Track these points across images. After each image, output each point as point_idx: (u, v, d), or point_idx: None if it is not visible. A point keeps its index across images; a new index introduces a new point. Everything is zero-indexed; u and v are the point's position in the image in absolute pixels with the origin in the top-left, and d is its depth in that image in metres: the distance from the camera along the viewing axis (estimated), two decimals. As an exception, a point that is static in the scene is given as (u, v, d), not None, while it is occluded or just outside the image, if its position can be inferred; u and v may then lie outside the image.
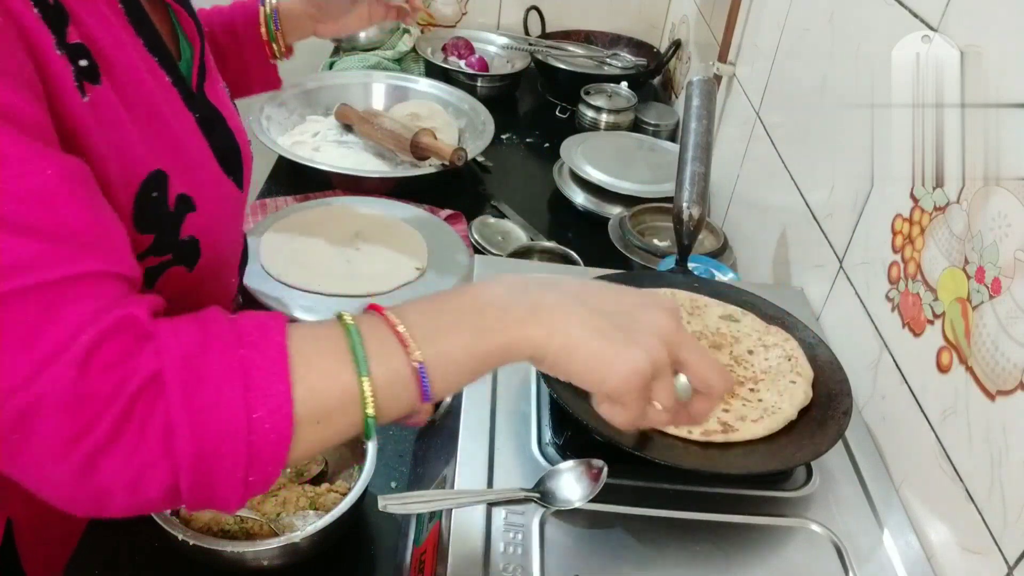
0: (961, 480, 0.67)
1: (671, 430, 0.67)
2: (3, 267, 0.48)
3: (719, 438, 0.67)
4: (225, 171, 0.80)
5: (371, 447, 0.80)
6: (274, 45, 1.08)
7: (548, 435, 0.72)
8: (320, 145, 1.44)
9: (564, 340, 0.53)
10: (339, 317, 0.54)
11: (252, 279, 1.08)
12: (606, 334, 0.53)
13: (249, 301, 1.07)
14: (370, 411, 0.52)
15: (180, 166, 0.70)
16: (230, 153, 0.82)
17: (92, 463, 0.48)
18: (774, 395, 0.72)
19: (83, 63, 0.59)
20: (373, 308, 0.55)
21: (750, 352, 0.77)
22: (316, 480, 0.85)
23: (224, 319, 0.53)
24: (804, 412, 0.71)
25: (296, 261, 1.12)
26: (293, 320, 0.54)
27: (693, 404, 0.56)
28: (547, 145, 1.62)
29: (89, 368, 0.48)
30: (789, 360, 0.75)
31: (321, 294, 1.08)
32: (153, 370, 0.49)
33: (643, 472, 0.68)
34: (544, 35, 1.95)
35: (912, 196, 0.78)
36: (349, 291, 1.08)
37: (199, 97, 0.78)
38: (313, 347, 0.53)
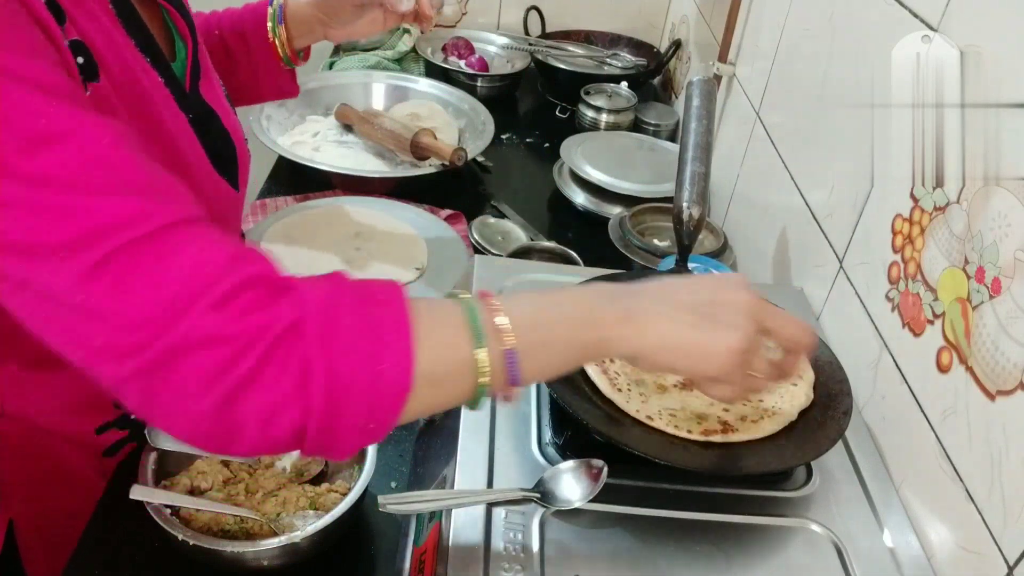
0: (961, 480, 0.67)
1: (671, 430, 0.67)
2: (101, 227, 0.51)
3: (719, 438, 0.67)
4: (219, 171, 0.80)
5: (371, 447, 0.80)
6: (278, 44, 1.03)
7: (548, 435, 0.72)
8: (320, 145, 1.44)
9: (658, 339, 0.57)
10: (455, 295, 0.58)
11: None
12: (697, 325, 0.57)
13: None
14: (484, 380, 0.55)
15: (173, 166, 0.71)
16: (225, 153, 0.82)
17: (233, 398, 0.51)
18: (775, 396, 0.72)
19: (81, 60, 0.60)
20: (482, 294, 0.58)
21: None
22: (316, 480, 0.85)
23: (351, 281, 0.57)
24: (804, 413, 0.71)
25: (296, 263, 1.12)
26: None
27: (785, 362, 0.62)
28: (547, 145, 1.62)
29: (229, 312, 0.51)
30: None
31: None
32: (294, 318, 0.52)
33: (643, 472, 0.68)
34: (544, 35, 1.95)
35: (912, 196, 0.78)
36: None
37: (192, 97, 0.78)
38: (433, 315, 0.56)
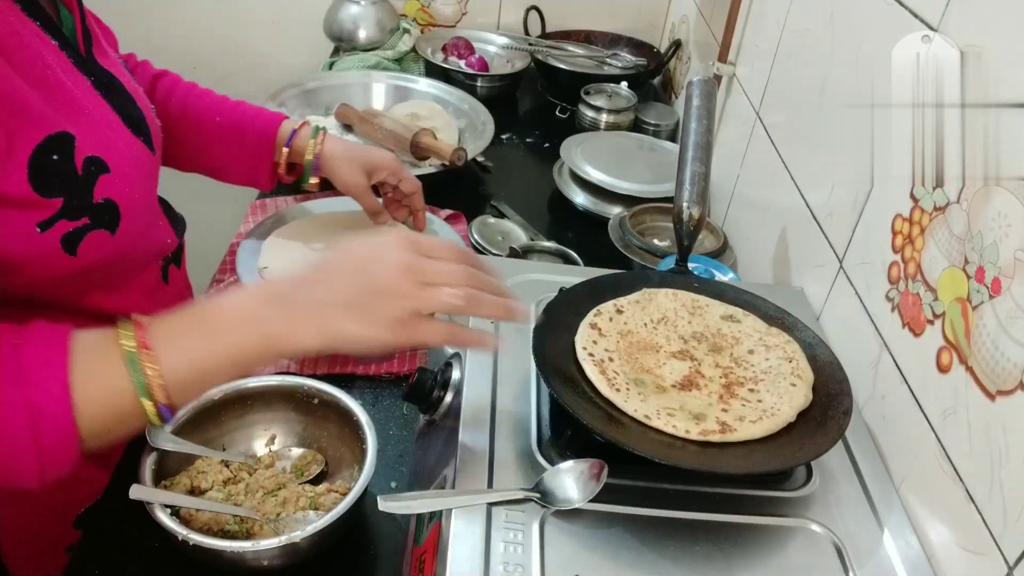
0: (961, 480, 0.67)
1: (669, 429, 0.67)
2: None
3: (716, 438, 0.67)
4: (133, 132, 0.80)
5: (371, 447, 0.80)
6: (302, 184, 1.12)
7: (548, 435, 0.72)
8: (320, 145, 1.44)
9: (319, 339, 0.62)
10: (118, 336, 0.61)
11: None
12: (355, 318, 0.62)
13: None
14: (156, 421, 0.62)
15: (86, 127, 0.71)
16: (135, 116, 0.82)
17: None
18: (774, 397, 0.72)
19: None
20: (141, 343, 0.61)
21: (751, 352, 0.77)
22: (316, 480, 0.85)
23: (9, 350, 0.58)
24: (804, 413, 0.71)
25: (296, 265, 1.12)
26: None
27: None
28: (547, 145, 1.62)
29: None
30: (790, 362, 0.75)
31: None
32: None
33: (643, 472, 0.68)
34: (544, 35, 1.95)
35: (912, 196, 0.78)
36: None
37: (89, 61, 0.78)
38: (93, 378, 0.59)
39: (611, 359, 0.74)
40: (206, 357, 0.62)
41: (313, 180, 1.11)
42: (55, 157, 0.67)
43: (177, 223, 0.95)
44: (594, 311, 0.79)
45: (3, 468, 0.57)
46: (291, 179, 1.12)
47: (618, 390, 0.70)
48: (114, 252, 0.74)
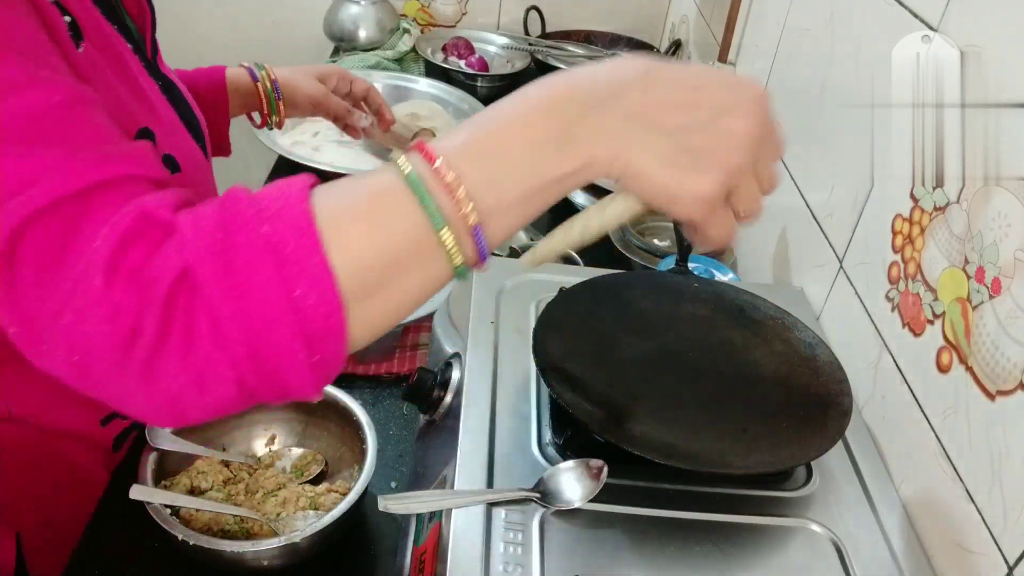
0: (961, 480, 0.67)
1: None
2: (21, 184, 0.47)
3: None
4: (193, 137, 0.82)
5: (371, 447, 0.80)
6: (274, 117, 1.10)
7: (548, 435, 0.72)
8: (320, 145, 1.44)
9: (626, 167, 0.50)
10: (392, 165, 0.50)
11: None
12: (672, 161, 0.50)
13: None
14: (457, 260, 0.49)
15: (160, 127, 0.72)
16: (192, 121, 0.84)
17: (150, 370, 0.46)
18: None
19: (67, 19, 0.59)
20: (420, 148, 0.50)
21: None
22: (316, 480, 0.85)
23: (244, 197, 0.49)
24: (804, 413, 0.71)
25: None
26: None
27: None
28: (547, 145, 1.62)
29: (115, 275, 0.46)
30: None
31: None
32: (180, 267, 0.46)
33: (643, 472, 0.68)
34: (544, 35, 1.95)
35: (912, 196, 0.78)
36: None
37: (155, 67, 0.79)
38: (344, 211, 0.49)
39: None
40: (511, 196, 0.51)
41: (280, 113, 1.11)
42: None
43: None
44: None
45: (259, 332, 0.46)
46: (261, 125, 1.13)
47: None
48: None
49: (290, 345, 0.47)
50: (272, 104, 1.10)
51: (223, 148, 1.10)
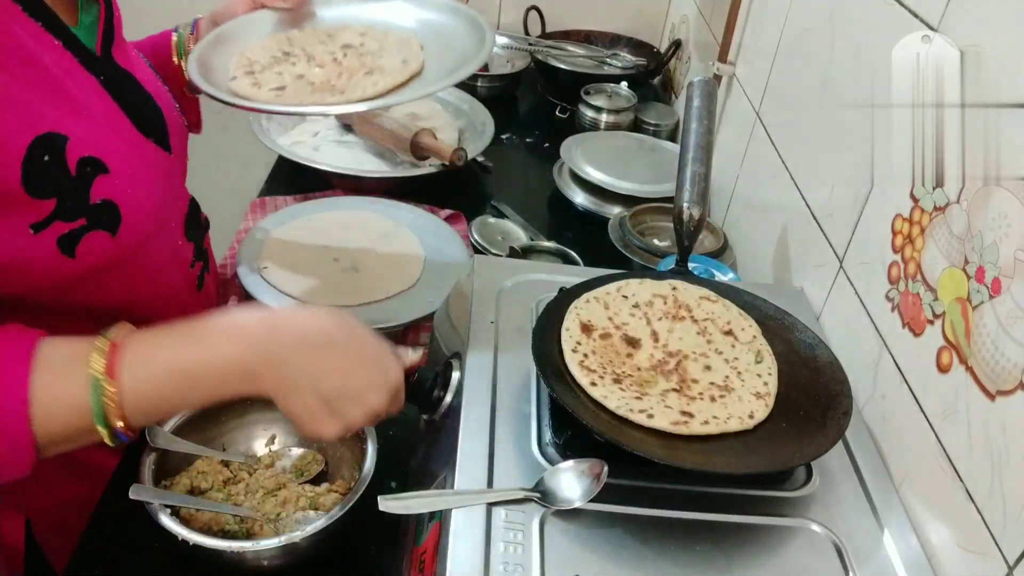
0: (961, 480, 0.67)
1: (644, 421, 0.67)
2: None
3: (670, 428, 0.67)
4: (144, 133, 0.79)
5: (371, 447, 0.80)
6: (184, 68, 0.99)
7: (548, 435, 0.72)
8: (320, 145, 1.45)
9: (283, 404, 0.67)
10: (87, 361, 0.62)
11: (254, 287, 1.08)
12: (317, 416, 0.67)
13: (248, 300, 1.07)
14: (110, 444, 0.64)
15: (84, 128, 0.70)
16: (149, 115, 0.81)
17: None
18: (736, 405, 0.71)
19: None
20: (108, 370, 0.62)
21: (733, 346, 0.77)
22: (316, 480, 0.85)
23: None
24: (804, 413, 0.71)
25: (296, 272, 1.12)
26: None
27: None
28: (547, 145, 1.62)
29: None
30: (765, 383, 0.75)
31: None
32: None
33: (643, 472, 0.68)
34: (544, 35, 1.95)
35: (912, 196, 0.78)
36: (346, 301, 1.08)
37: (104, 60, 0.77)
38: (55, 396, 0.61)
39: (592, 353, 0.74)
40: (172, 392, 0.65)
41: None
42: (46, 158, 0.66)
43: (196, 229, 0.94)
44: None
45: None
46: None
47: (595, 385, 0.71)
48: (117, 254, 0.74)
49: None
50: (180, 47, 1.01)
51: (193, 124, 1.05)
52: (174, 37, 1.01)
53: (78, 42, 0.74)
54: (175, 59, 1.00)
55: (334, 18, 0.97)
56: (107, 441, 0.63)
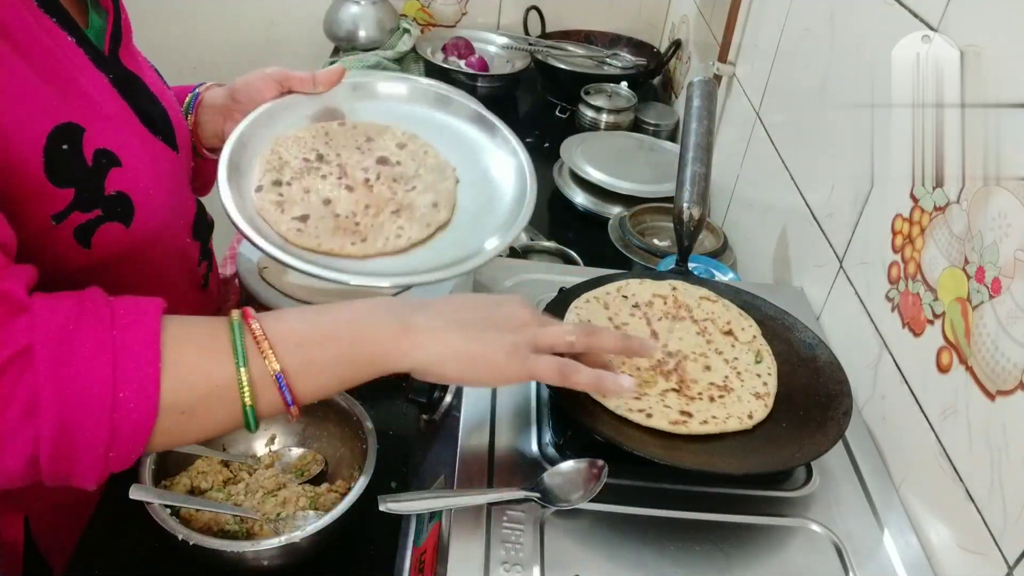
0: (961, 480, 0.67)
1: (642, 419, 0.67)
2: None
3: (669, 427, 0.68)
4: (151, 131, 0.80)
5: (371, 447, 0.80)
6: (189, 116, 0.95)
7: (548, 435, 0.72)
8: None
9: (434, 354, 0.61)
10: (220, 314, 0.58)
11: (254, 287, 1.08)
12: (471, 337, 0.62)
13: (248, 299, 1.07)
14: (248, 402, 0.57)
15: (97, 121, 0.71)
16: (154, 114, 0.82)
17: None
18: (736, 405, 0.71)
19: None
20: (246, 312, 0.59)
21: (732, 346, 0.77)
22: (316, 480, 0.85)
23: (102, 298, 0.56)
24: (804, 413, 0.71)
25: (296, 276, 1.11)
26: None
27: (586, 359, 0.66)
28: (547, 145, 1.62)
29: None
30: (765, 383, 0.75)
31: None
32: (24, 343, 0.52)
33: (643, 472, 0.68)
34: (544, 35, 1.95)
35: (912, 196, 0.78)
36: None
37: (112, 60, 0.78)
38: (189, 337, 0.57)
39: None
40: (319, 338, 0.60)
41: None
42: (65, 147, 0.67)
43: (203, 232, 0.94)
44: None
45: (74, 419, 0.52)
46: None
47: None
48: (130, 245, 0.75)
49: (95, 437, 0.53)
50: (186, 116, 0.95)
51: (201, 186, 0.99)
52: (188, 96, 0.97)
53: (88, 41, 0.75)
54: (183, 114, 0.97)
55: (373, 111, 0.92)
56: (247, 395, 0.57)
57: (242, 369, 0.56)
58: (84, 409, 0.52)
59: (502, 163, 0.90)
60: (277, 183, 0.80)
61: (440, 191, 0.83)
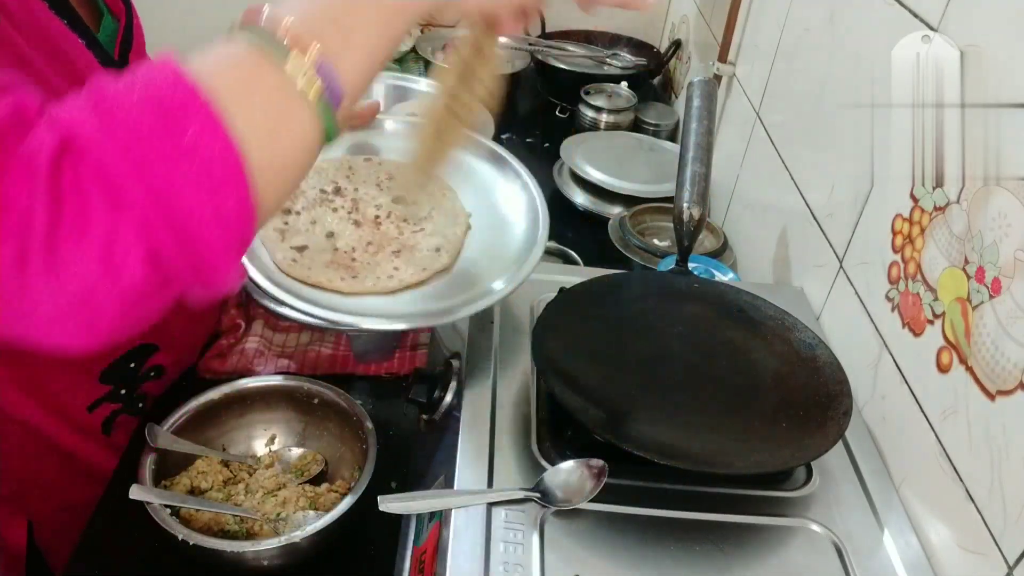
0: (961, 480, 0.67)
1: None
2: None
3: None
4: None
5: (371, 447, 0.80)
6: None
7: (548, 435, 0.72)
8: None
9: None
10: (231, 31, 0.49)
11: (254, 287, 1.08)
12: None
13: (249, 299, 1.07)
14: (312, 96, 0.47)
15: None
16: None
17: (53, 262, 0.41)
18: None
19: None
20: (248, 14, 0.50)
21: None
22: (316, 480, 0.85)
23: (111, 77, 0.47)
24: (804, 413, 0.71)
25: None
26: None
27: None
28: (547, 145, 1.62)
29: None
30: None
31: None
32: (57, 138, 0.42)
33: (643, 472, 0.68)
34: (544, 35, 1.95)
35: (912, 196, 0.78)
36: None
37: (121, 64, 0.79)
38: (215, 60, 0.48)
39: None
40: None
41: None
42: None
43: None
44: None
45: (161, 180, 0.43)
46: None
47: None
48: None
49: (197, 194, 0.44)
50: None
51: None
52: None
53: (98, 44, 0.76)
54: None
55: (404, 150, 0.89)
56: (305, 86, 0.47)
57: (286, 64, 0.47)
58: (165, 163, 0.43)
59: (514, 200, 0.88)
60: (287, 211, 0.81)
61: (448, 236, 0.82)
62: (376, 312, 0.73)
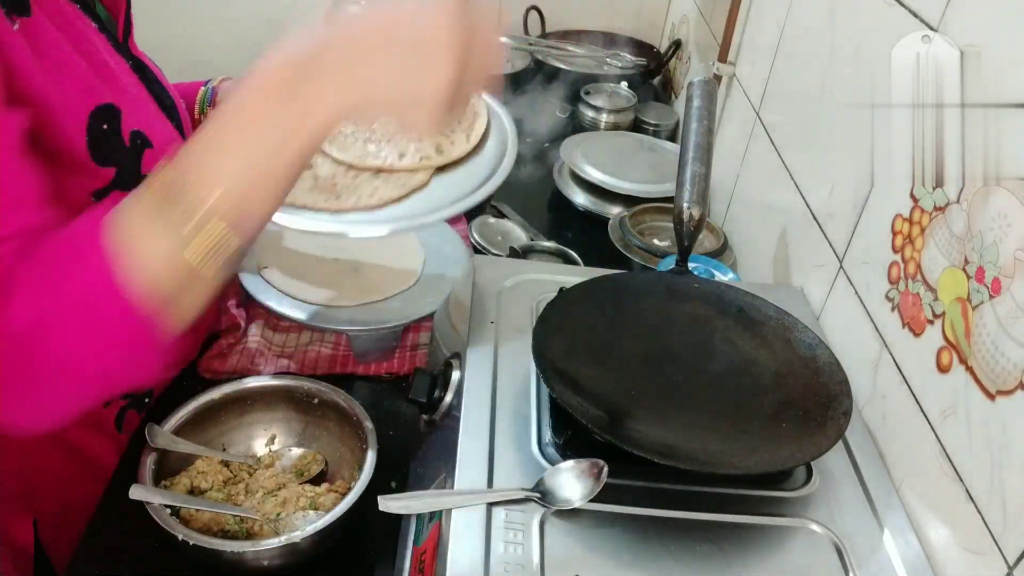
0: (961, 480, 0.67)
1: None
2: None
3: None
4: (168, 117, 0.83)
5: (371, 447, 0.80)
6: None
7: (548, 435, 0.72)
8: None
9: (361, 95, 0.52)
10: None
11: (254, 287, 1.08)
12: (402, 63, 0.51)
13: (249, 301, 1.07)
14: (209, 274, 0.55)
15: (128, 103, 0.73)
16: (166, 102, 0.84)
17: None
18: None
19: None
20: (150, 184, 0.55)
21: None
22: (316, 480, 0.85)
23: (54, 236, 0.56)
24: (804, 413, 0.71)
25: (296, 272, 1.11)
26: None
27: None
28: (547, 145, 1.62)
29: None
30: None
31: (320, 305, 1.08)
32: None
33: (643, 472, 0.68)
34: (544, 35, 1.95)
35: (912, 196, 0.78)
36: (346, 302, 1.08)
37: (126, 47, 0.80)
38: (141, 236, 0.54)
39: None
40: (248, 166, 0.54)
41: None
42: (105, 127, 0.69)
43: None
44: None
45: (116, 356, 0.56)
46: None
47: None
48: None
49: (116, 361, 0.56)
50: (203, 112, 1.00)
51: None
52: (201, 90, 1.01)
53: (106, 27, 0.77)
54: (197, 111, 1.00)
55: None
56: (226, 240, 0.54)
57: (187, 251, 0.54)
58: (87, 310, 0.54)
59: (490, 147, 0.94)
60: None
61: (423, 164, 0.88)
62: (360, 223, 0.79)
